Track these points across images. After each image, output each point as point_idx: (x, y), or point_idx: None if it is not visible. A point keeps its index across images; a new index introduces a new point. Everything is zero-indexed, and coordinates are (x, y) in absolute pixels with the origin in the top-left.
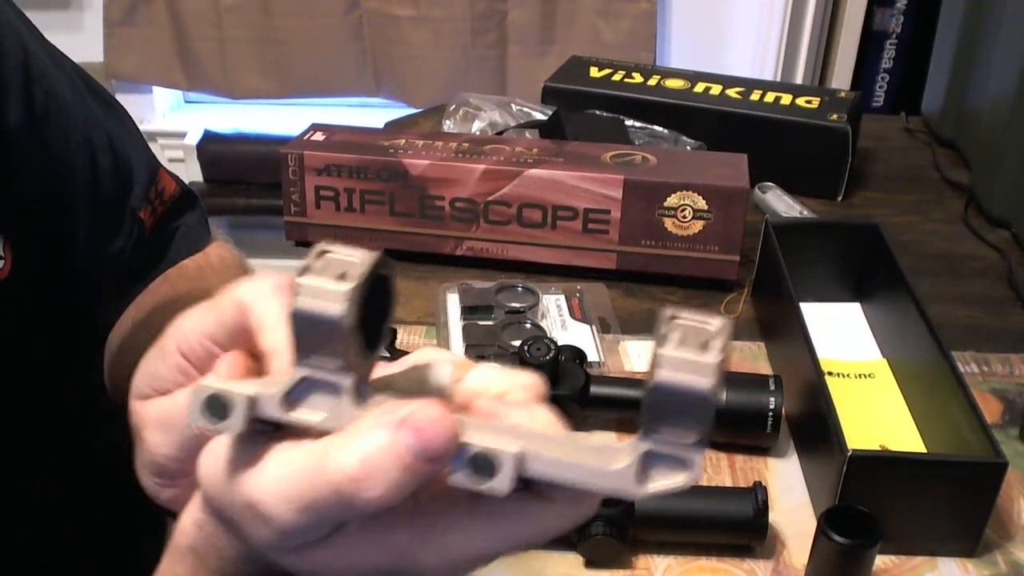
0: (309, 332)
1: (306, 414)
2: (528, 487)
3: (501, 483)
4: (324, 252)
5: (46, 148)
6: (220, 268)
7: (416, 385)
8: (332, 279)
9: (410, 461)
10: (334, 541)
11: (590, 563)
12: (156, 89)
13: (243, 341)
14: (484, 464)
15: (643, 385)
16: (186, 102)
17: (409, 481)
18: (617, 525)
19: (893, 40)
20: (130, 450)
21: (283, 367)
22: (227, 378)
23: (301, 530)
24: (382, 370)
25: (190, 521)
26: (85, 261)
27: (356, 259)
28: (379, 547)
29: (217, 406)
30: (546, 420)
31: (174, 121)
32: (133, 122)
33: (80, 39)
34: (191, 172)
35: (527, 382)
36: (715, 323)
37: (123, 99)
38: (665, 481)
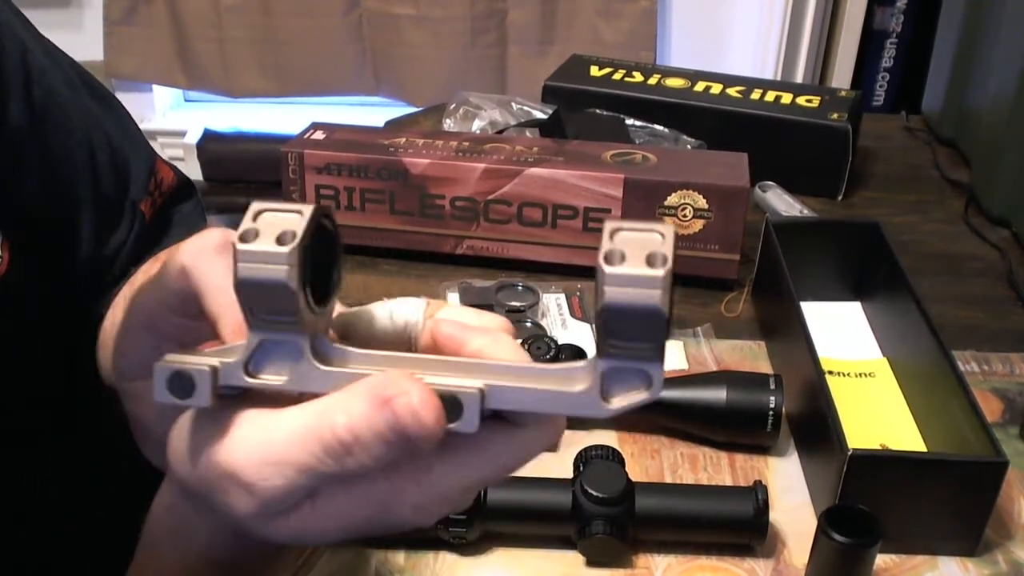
0: (258, 297)
1: (269, 378)
2: (498, 416)
3: (469, 422)
4: (260, 212)
5: (45, 146)
6: None
7: (385, 323)
8: (272, 242)
9: (396, 440)
10: (316, 503)
11: (590, 562)
12: (156, 88)
13: (196, 305)
14: (450, 405)
15: (594, 304)
16: (186, 101)
17: (395, 452)
18: (617, 524)
19: (893, 39)
20: (129, 444)
21: (229, 332)
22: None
23: (284, 495)
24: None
25: (161, 507)
26: (86, 259)
27: (294, 216)
28: (359, 502)
29: (181, 382)
30: (509, 346)
31: (174, 120)
32: (129, 116)
33: (80, 38)
34: (191, 171)
35: (496, 320)
36: (659, 230)
37: (123, 98)
38: (628, 397)
